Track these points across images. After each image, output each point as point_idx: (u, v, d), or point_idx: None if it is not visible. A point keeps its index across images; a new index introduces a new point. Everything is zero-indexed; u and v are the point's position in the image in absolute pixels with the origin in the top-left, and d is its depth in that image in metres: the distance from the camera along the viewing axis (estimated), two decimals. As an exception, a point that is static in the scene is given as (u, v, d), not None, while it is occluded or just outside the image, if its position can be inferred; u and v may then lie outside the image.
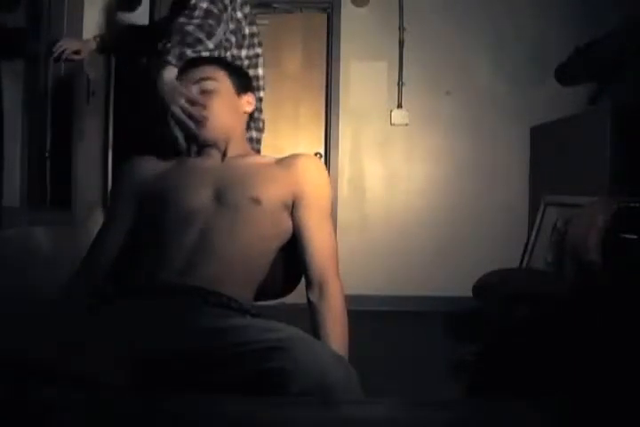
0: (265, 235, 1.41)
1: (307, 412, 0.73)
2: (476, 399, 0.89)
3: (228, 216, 1.38)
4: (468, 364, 2.42)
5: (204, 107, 1.48)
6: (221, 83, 1.50)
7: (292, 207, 1.45)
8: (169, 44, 1.63)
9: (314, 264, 1.41)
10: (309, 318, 1.40)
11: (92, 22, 3.04)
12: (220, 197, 1.40)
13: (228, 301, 1.28)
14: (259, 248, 1.40)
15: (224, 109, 1.50)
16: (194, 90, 1.49)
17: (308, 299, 1.41)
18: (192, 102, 1.48)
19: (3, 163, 2.29)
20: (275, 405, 0.78)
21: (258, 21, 4.58)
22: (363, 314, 3.98)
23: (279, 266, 1.49)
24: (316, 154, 4.26)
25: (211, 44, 1.73)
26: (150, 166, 1.51)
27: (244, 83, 1.57)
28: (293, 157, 1.51)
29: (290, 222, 1.46)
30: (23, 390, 0.78)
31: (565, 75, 3.78)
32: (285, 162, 1.49)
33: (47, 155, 2.51)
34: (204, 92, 1.49)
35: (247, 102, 1.57)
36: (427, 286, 4.07)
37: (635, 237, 2.46)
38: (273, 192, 1.42)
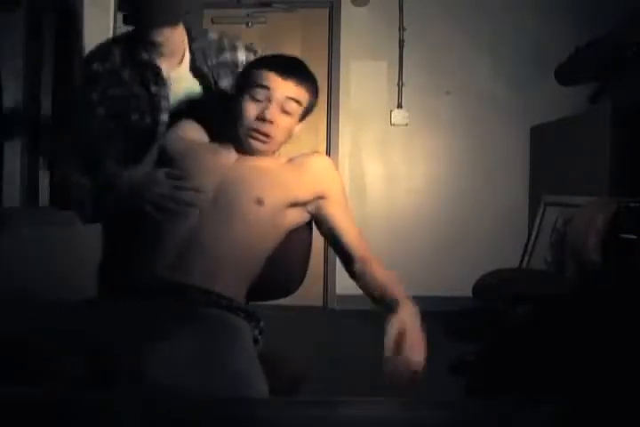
0: (262, 234, 1.42)
1: (307, 412, 0.73)
2: (475, 399, 0.89)
3: (224, 214, 1.38)
4: (468, 364, 2.42)
5: (275, 125, 1.42)
6: (302, 107, 1.46)
7: (315, 206, 1.49)
8: None
9: (354, 251, 1.51)
10: (359, 287, 1.51)
11: (93, 22, 3.04)
12: (220, 195, 1.40)
13: (217, 299, 1.29)
14: (254, 247, 1.41)
15: (287, 132, 1.47)
16: (274, 106, 1.41)
17: (353, 272, 1.52)
18: (262, 121, 1.41)
19: (3, 163, 2.29)
20: (275, 405, 0.78)
21: (256, 20, 4.57)
22: (363, 314, 3.98)
23: (282, 267, 1.50)
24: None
25: None
26: (185, 144, 1.51)
27: (310, 110, 1.51)
28: (305, 156, 1.52)
29: (292, 219, 1.48)
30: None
31: (565, 75, 3.78)
32: (298, 162, 1.50)
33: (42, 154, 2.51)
34: (284, 111, 1.42)
35: (299, 127, 1.52)
36: (427, 285, 4.06)
37: (634, 237, 2.46)
38: (279, 193, 1.43)
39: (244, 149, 1.45)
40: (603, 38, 3.32)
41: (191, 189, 1.40)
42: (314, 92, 1.49)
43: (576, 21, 3.94)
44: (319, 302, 4.18)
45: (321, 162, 1.53)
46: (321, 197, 1.48)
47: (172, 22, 1.55)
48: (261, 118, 1.40)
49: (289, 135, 1.48)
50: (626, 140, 2.96)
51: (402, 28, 4.23)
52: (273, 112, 1.40)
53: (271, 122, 1.40)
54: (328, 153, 4.26)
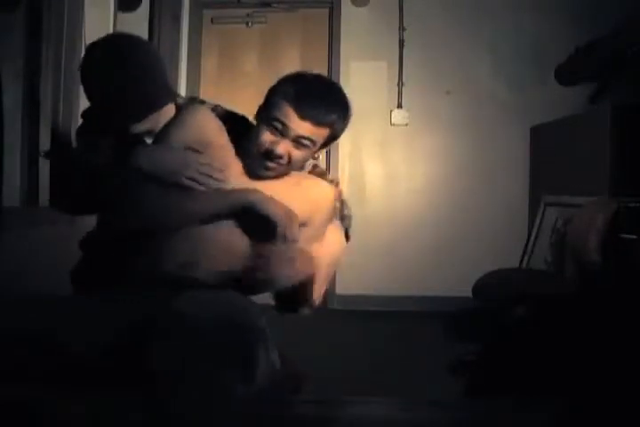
0: None
1: (307, 412, 0.73)
2: (475, 399, 0.89)
3: (229, 230, 1.40)
4: (468, 364, 2.42)
5: (285, 159, 1.41)
6: (317, 142, 1.43)
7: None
8: None
9: None
10: None
11: (93, 22, 3.04)
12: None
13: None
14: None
15: (300, 162, 1.46)
16: (286, 142, 1.39)
17: None
18: (271, 154, 1.39)
19: (3, 163, 2.29)
20: (276, 405, 0.78)
21: (256, 20, 4.56)
22: (363, 314, 3.99)
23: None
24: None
25: None
26: (204, 139, 1.43)
27: (330, 142, 1.50)
28: (309, 181, 1.51)
29: None
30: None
31: (565, 75, 3.78)
32: (302, 187, 1.49)
33: (42, 154, 2.51)
34: (297, 146, 1.41)
35: (318, 155, 1.52)
36: (427, 285, 4.06)
37: (634, 237, 2.46)
38: None
39: (251, 171, 1.45)
40: (603, 38, 3.33)
41: (217, 179, 1.39)
42: (338, 124, 1.46)
43: (576, 21, 3.94)
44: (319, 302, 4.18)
45: (319, 190, 1.51)
46: (302, 225, 1.45)
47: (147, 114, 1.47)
48: (271, 151, 1.38)
49: (303, 163, 1.48)
50: (626, 141, 2.96)
51: (402, 28, 4.22)
52: (284, 148, 1.39)
53: (280, 157, 1.39)
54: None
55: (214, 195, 1.39)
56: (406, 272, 4.14)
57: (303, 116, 1.37)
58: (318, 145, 1.44)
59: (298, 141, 1.39)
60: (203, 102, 1.59)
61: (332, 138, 1.48)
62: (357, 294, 4.12)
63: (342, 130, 1.50)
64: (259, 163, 1.41)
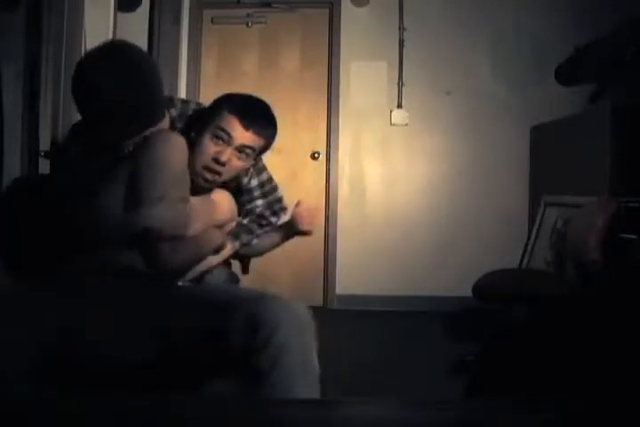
0: None
1: (307, 412, 0.73)
2: (475, 399, 0.89)
3: None
4: (468, 364, 2.42)
5: (227, 167, 1.53)
6: (255, 152, 1.57)
7: None
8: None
9: None
10: None
11: (93, 22, 3.04)
12: None
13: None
14: None
15: (236, 172, 1.59)
16: (230, 150, 1.52)
17: None
18: (217, 161, 1.52)
19: (3, 163, 2.29)
20: (275, 405, 0.78)
21: (256, 20, 4.56)
22: (363, 314, 3.99)
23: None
24: (315, 153, 4.27)
25: None
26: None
27: (264, 151, 1.63)
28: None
29: None
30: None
31: (565, 75, 3.78)
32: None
33: (42, 154, 2.51)
34: (238, 155, 1.54)
35: (249, 170, 1.67)
36: (427, 285, 4.06)
37: (634, 237, 2.46)
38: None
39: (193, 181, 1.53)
40: (603, 38, 3.33)
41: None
42: (271, 137, 1.59)
43: (576, 21, 3.94)
44: (319, 302, 4.18)
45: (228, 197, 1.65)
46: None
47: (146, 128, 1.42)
48: (216, 159, 1.50)
49: (235, 174, 1.60)
50: (626, 141, 2.96)
51: (402, 28, 4.23)
52: (228, 156, 1.51)
53: (224, 164, 1.51)
54: (328, 153, 4.26)
55: (220, 233, 1.56)
56: (406, 272, 4.14)
57: (247, 126, 1.50)
58: (254, 157, 1.58)
59: (240, 150, 1.51)
60: (185, 102, 1.68)
61: (262, 152, 1.61)
62: (357, 294, 4.12)
63: (271, 145, 1.63)
64: (200, 174, 1.51)
